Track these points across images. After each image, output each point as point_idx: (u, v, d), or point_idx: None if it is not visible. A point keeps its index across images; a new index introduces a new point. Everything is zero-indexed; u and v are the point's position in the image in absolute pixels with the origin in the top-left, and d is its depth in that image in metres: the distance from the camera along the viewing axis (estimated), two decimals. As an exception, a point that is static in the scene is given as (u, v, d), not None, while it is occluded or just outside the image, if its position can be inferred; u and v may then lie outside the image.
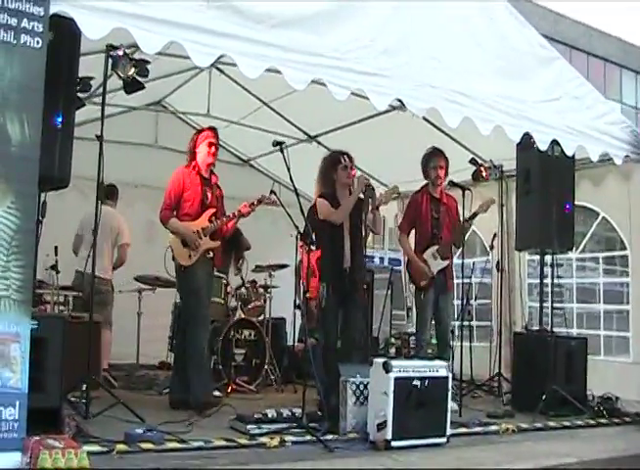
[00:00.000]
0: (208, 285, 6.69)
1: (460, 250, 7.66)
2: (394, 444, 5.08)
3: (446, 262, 7.20)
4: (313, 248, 6.33)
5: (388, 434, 5.08)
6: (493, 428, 6.04)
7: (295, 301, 8.79)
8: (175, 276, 6.63)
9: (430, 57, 5.79)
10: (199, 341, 6.34)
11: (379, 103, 5.52)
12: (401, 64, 5.59)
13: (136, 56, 5.61)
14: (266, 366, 8.07)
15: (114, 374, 7.92)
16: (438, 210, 7.28)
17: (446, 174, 7.28)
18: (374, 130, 8.12)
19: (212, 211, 6.56)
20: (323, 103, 6.24)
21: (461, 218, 7.21)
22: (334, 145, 7.45)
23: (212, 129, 6.61)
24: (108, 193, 8.00)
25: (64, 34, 4.64)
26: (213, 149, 6.52)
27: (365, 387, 5.45)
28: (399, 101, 5.86)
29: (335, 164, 6.43)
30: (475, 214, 7.23)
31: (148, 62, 5.70)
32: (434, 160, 7.24)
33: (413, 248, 7.39)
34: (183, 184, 6.42)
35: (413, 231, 7.47)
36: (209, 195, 6.55)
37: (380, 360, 5.32)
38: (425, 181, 7.44)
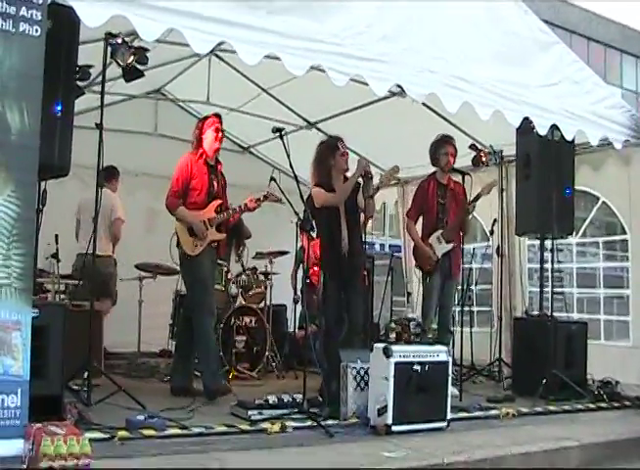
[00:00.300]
0: (213, 273, 6.73)
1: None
2: (395, 428, 5.13)
3: (450, 246, 7.23)
4: (313, 234, 6.35)
5: (389, 419, 5.12)
6: (494, 412, 6.08)
7: (294, 291, 8.83)
8: (180, 264, 6.62)
9: (429, 42, 5.76)
10: (205, 329, 6.32)
11: (378, 88, 5.50)
12: (401, 49, 5.57)
13: (135, 44, 5.60)
14: (267, 353, 8.10)
15: (116, 362, 7.95)
16: (445, 195, 7.34)
17: (454, 160, 7.33)
18: (373, 117, 8.10)
19: (219, 202, 6.52)
20: (322, 89, 6.25)
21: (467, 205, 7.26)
22: (333, 131, 7.43)
23: (218, 116, 6.55)
24: (107, 175, 7.93)
25: (62, 22, 4.63)
26: (220, 134, 6.48)
27: (366, 372, 5.47)
28: (399, 87, 5.85)
29: (333, 150, 6.40)
30: (478, 197, 7.28)
31: (147, 49, 5.69)
32: (444, 147, 7.29)
33: (420, 233, 7.45)
34: (191, 171, 6.36)
35: (421, 218, 7.53)
36: (215, 184, 6.51)
37: (380, 345, 5.35)
38: (432, 168, 7.50)
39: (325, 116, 8.96)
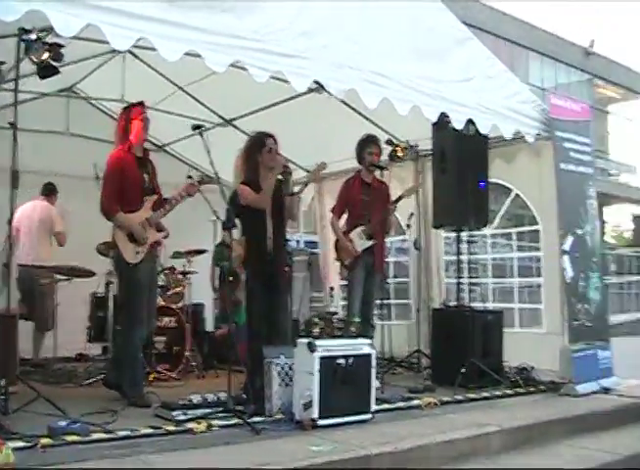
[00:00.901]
0: (153, 278, 6.47)
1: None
2: (321, 422, 5.16)
3: (370, 242, 7.33)
4: (235, 233, 6.32)
5: (315, 413, 5.15)
6: (416, 402, 6.19)
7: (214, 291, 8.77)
8: (118, 272, 6.34)
9: (348, 39, 5.81)
10: (133, 339, 6.11)
11: (298, 85, 5.50)
12: (321, 46, 5.60)
13: (48, 39, 5.42)
14: (187, 353, 8.02)
15: (31, 369, 7.72)
16: (369, 193, 7.44)
17: (378, 160, 7.48)
18: (291, 113, 8.07)
19: (155, 197, 6.25)
20: (238, 86, 6.21)
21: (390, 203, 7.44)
22: (250, 129, 7.38)
23: (143, 104, 6.29)
24: (46, 190, 8.54)
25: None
26: (147, 123, 6.24)
27: (290, 368, 5.49)
28: (317, 83, 5.86)
29: (260, 146, 6.27)
30: (399, 198, 7.48)
31: (62, 46, 5.51)
32: (369, 146, 7.42)
33: (344, 228, 7.54)
34: (121, 169, 6.04)
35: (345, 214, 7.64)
36: (147, 177, 6.25)
37: (304, 341, 5.38)
38: (350, 164, 7.73)
39: (241, 113, 8.90)
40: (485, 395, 6.66)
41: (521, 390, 6.92)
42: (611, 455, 5.46)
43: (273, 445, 4.75)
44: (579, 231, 7.54)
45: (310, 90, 6.67)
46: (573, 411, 6.28)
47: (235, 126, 9.15)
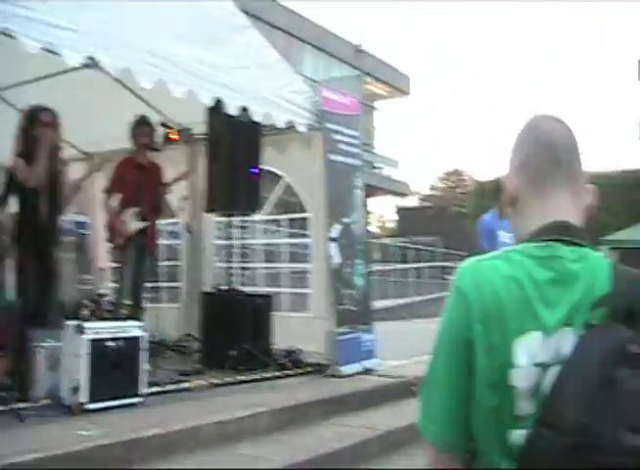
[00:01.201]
0: None
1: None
2: (90, 406, 5.09)
3: (144, 224, 7.30)
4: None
5: (83, 397, 5.07)
6: (186, 385, 6.25)
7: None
8: None
9: (126, 18, 5.65)
10: None
11: (70, 59, 5.26)
12: (97, 21, 5.40)
13: None
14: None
15: None
16: (142, 174, 7.40)
17: (152, 142, 7.49)
18: (64, 89, 7.75)
19: None
20: (5, 56, 5.87)
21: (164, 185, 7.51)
22: (19, 102, 7.04)
23: None
24: None
25: None
26: None
27: (58, 351, 5.33)
28: (91, 59, 5.68)
29: (34, 121, 6.02)
30: (174, 181, 7.54)
31: None
32: (142, 127, 7.42)
33: (116, 209, 7.43)
34: None
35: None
36: None
37: (72, 323, 5.30)
38: (122, 145, 7.61)
39: (7, 84, 8.40)
40: (255, 377, 6.82)
41: (289, 372, 7.18)
42: (371, 431, 5.82)
43: (40, 431, 4.61)
44: (346, 220, 7.89)
45: (85, 66, 6.47)
46: (337, 391, 6.63)
47: (2, 98, 8.63)
